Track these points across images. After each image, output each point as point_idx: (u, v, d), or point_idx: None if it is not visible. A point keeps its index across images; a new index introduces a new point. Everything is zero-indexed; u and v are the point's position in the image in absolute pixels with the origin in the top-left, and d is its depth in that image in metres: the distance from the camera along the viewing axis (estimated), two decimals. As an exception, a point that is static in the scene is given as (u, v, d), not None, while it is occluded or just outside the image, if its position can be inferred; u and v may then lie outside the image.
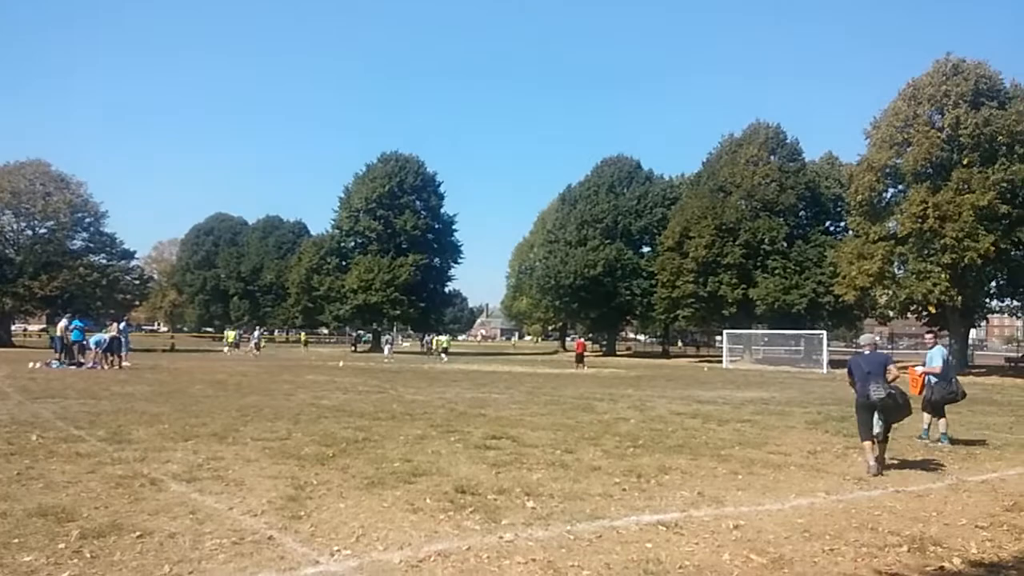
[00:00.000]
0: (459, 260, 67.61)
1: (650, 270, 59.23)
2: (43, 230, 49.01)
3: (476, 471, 7.55)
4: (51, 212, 47.57)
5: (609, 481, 7.25)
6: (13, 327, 53.85)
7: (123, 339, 26.40)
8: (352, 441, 9.31)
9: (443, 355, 46.44)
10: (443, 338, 54.49)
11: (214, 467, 7.37)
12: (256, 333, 49.99)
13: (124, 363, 24.70)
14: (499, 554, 4.79)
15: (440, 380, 23.03)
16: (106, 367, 23.14)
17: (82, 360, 24.18)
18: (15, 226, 48.78)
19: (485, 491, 6.59)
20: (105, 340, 24.07)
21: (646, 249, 65.13)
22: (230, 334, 51.90)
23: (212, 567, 4.40)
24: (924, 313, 45.66)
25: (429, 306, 63.39)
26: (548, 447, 9.30)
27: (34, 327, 67.09)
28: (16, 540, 4.79)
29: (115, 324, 26.74)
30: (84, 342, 24.63)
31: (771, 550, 5.05)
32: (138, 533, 4.99)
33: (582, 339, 45.75)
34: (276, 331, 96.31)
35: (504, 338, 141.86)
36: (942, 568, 4.79)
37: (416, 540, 5.05)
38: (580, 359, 39.04)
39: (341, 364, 33.41)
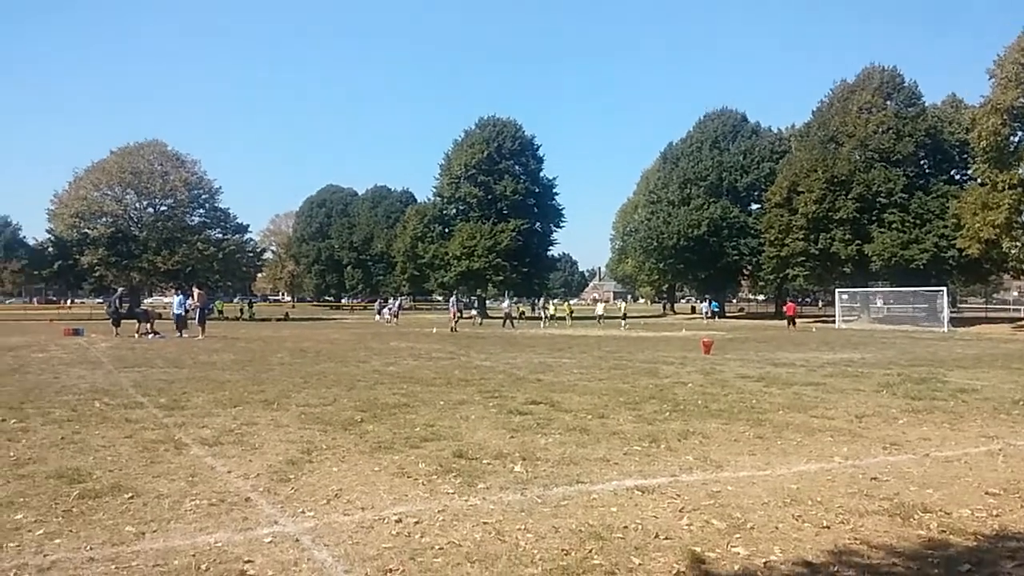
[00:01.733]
0: (561, 224, 67.53)
1: (758, 228, 57.25)
2: (163, 208, 52.53)
3: (490, 436, 7.62)
4: (169, 190, 50.84)
5: (619, 446, 7.15)
6: (150, 300, 58.03)
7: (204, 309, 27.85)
8: (390, 407, 9.56)
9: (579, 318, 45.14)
10: (555, 304, 53.38)
11: (243, 432, 7.76)
12: (396, 303, 51.39)
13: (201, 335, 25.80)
14: (454, 517, 4.84)
15: (518, 345, 23.24)
16: (182, 335, 24.72)
17: (178, 332, 25.84)
18: (138, 205, 52.41)
19: (483, 456, 6.65)
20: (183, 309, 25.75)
21: (754, 206, 62.89)
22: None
23: (178, 527, 4.65)
24: (1061, 265, 42.19)
25: (532, 271, 63.69)
26: (582, 412, 9.25)
27: (166, 299, 72.13)
28: (21, 499, 5.22)
29: (198, 292, 28.19)
30: (182, 315, 26.44)
31: (736, 515, 4.88)
32: (131, 494, 5.33)
33: (792, 302, 46.94)
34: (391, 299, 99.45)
35: (617, 301, 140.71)
36: (919, 535, 4.50)
37: (381, 503, 5.18)
38: (792, 321, 41.90)
39: (434, 331, 34.21)
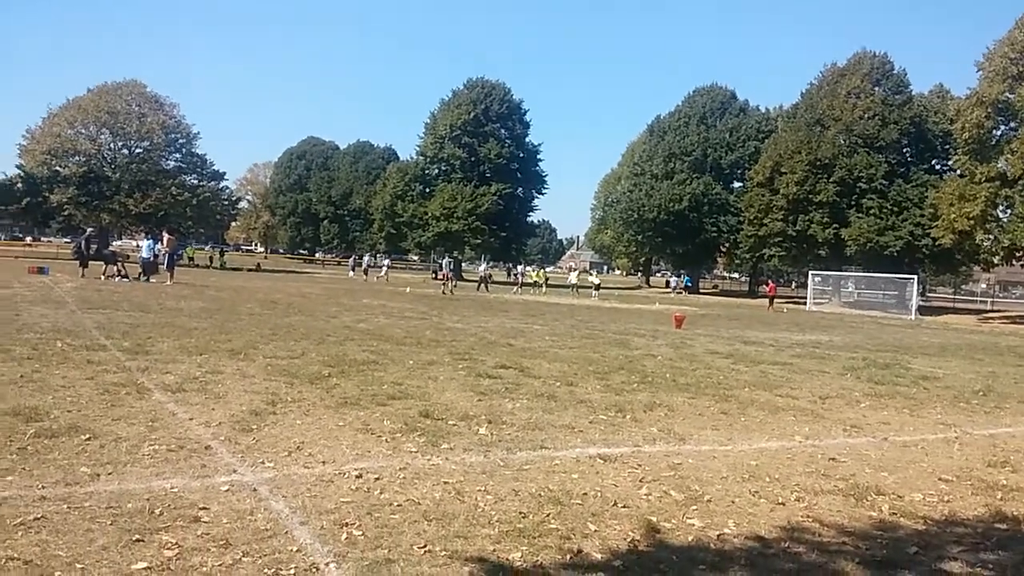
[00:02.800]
0: (543, 190, 67.43)
1: (739, 206, 57.48)
2: (138, 150, 51.57)
3: (458, 398, 7.62)
4: (146, 132, 49.89)
5: (586, 414, 7.18)
6: (118, 243, 57.23)
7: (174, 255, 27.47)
8: (359, 363, 9.52)
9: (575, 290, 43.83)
10: (530, 270, 53.05)
11: (207, 380, 7.68)
12: (366, 258, 51.10)
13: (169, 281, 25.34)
14: (415, 476, 4.84)
15: (492, 309, 23.24)
16: (150, 280, 24.40)
17: (145, 277, 25.45)
18: (112, 145, 51.40)
19: (449, 417, 6.64)
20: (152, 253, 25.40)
21: (736, 184, 63.10)
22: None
23: (134, 470, 4.60)
24: (1030, 260, 42.86)
25: (511, 236, 63.58)
26: (551, 379, 9.27)
27: (136, 242, 71.23)
28: (-25, 435, 5.15)
29: (168, 236, 27.79)
30: (151, 259, 26.07)
31: (695, 488, 4.92)
32: (88, 436, 5.26)
33: (772, 282, 46.58)
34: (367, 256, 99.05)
35: (591, 271, 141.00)
36: (870, 517, 4.57)
37: (343, 458, 5.16)
38: (772, 301, 41.36)
39: (408, 290, 34.09)
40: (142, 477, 4.48)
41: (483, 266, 46.93)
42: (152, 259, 26.37)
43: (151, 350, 9.48)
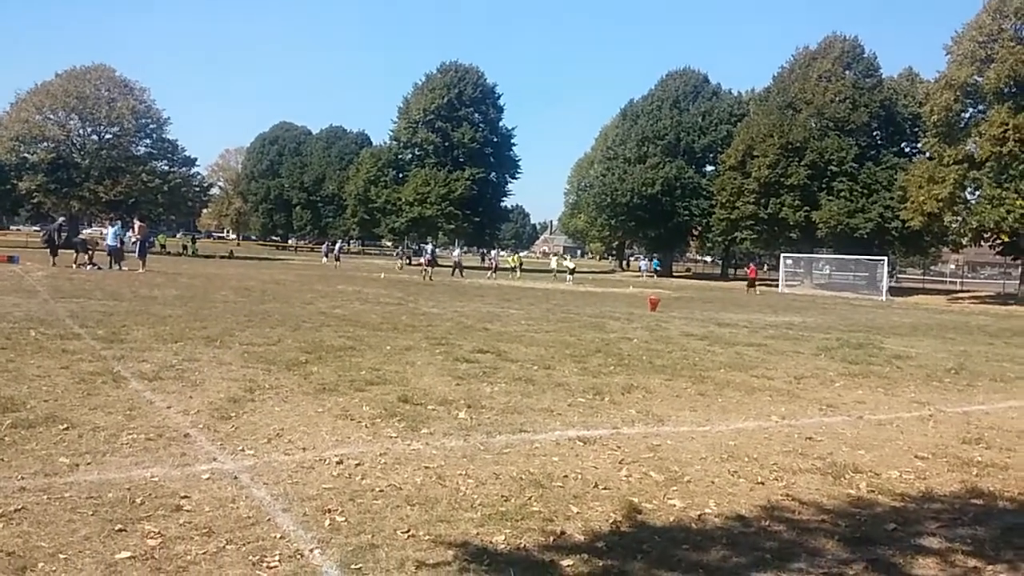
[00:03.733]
0: (517, 175, 67.29)
1: (711, 190, 57.80)
2: (108, 135, 50.65)
3: (436, 383, 7.62)
4: (116, 118, 49.02)
5: (564, 398, 7.22)
6: (88, 231, 56.31)
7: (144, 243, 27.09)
8: (336, 349, 9.48)
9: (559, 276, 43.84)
10: (504, 255, 52.88)
11: (184, 368, 7.61)
12: (337, 245, 51.24)
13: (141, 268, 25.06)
14: (396, 461, 4.84)
15: (468, 295, 23.24)
16: (120, 267, 24.07)
17: (116, 265, 25.07)
18: (82, 131, 50.46)
19: (428, 402, 6.65)
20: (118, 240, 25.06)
21: (709, 168, 63.36)
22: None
23: (113, 460, 4.56)
24: (997, 241, 43.62)
25: (485, 221, 63.43)
26: (528, 363, 9.30)
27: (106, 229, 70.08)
28: (-51, 426, 5.06)
29: (139, 223, 27.40)
30: (117, 247, 25.68)
31: (675, 469, 4.98)
32: (66, 426, 5.20)
33: (753, 265, 46.13)
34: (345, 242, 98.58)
35: (565, 256, 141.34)
36: (848, 494, 4.66)
37: (323, 444, 5.15)
38: (752, 284, 41.03)
39: (383, 276, 33.95)
40: (122, 467, 4.44)
41: (456, 251, 46.83)
42: (119, 246, 25.96)
43: (126, 338, 9.37)
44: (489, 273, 42.88)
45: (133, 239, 26.12)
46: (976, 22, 37.80)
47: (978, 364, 11.77)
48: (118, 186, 46.43)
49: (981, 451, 5.97)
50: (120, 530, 3.43)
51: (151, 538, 3.37)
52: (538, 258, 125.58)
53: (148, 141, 52.06)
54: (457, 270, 40.82)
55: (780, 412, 7.13)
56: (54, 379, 6.74)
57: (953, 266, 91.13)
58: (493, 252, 54.86)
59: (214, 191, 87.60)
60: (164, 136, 53.01)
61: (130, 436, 5.06)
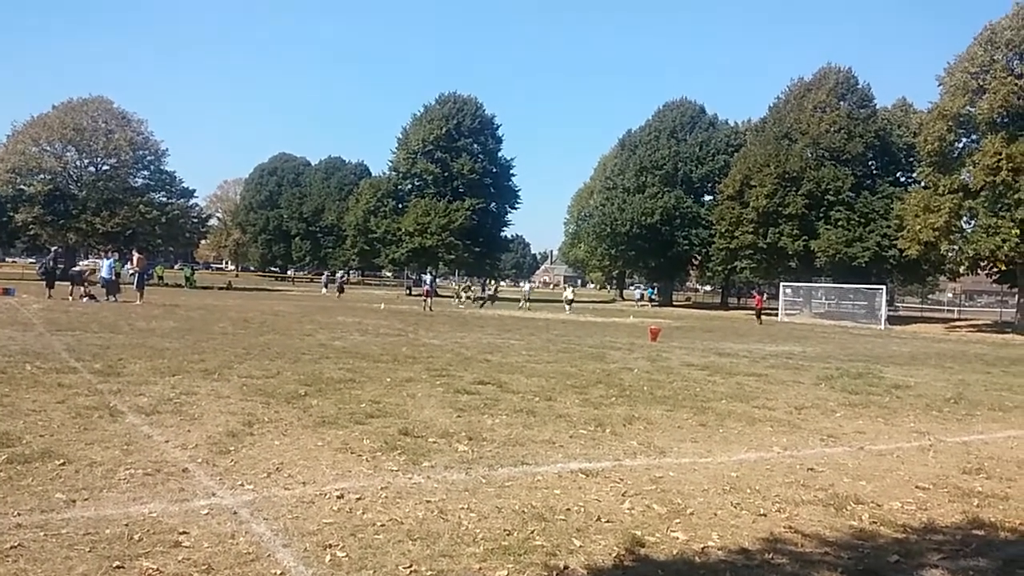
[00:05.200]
0: (516, 205, 67.56)
1: (710, 219, 57.97)
2: (105, 167, 50.80)
3: (437, 415, 7.59)
4: (113, 149, 49.19)
5: (565, 429, 7.19)
6: (84, 262, 56.37)
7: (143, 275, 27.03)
8: (335, 381, 9.45)
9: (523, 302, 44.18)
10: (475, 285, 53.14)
11: (182, 402, 7.58)
12: (339, 274, 51.35)
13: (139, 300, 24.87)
14: (397, 495, 4.81)
15: (468, 325, 23.21)
16: (116, 299, 24.07)
17: (111, 297, 25.02)
18: (79, 163, 50.66)
19: (429, 434, 6.61)
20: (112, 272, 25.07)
21: (707, 198, 63.63)
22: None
23: (111, 496, 4.53)
24: (994, 270, 43.71)
25: (485, 251, 63.52)
26: (529, 394, 9.27)
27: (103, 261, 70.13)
28: (-54, 461, 5.03)
29: (137, 256, 27.39)
30: (112, 279, 25.68)
31: (677, 501, 4.95)
32: (62, 461, 5.16)
33: (761, 295, 45.31)
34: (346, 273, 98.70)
35: (565, 286, 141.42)
36: (850, 526, 4.62)
37: (323, 478, 5.11)
38: (759, 314, 40.46)
39: (383, 307, 33.93)
40: (119, 502, 4.40)
41: (492, 283, 47.19)
42: (114, 278, 25.94)
43: (123, 372, 9.34)
44: (521, 302, 44.19)
45: (131, 271, 26.11)
46: (968, 54, 38.21)
47: (977, 393, 11.75)
48: (115, 218, 46.46)
49: (981, 481, 5.94)
50: (118, 567, 3.39)
51: (149, 575, 3.33)
52: (537, 287, 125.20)
53: (146, 172, 52.23)
54: (489, 301, 41.23)
55: (782, 443, 7.10)
56: (50, 414, 6.70)
57: (951, 294, 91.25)
58: (486, 281, 55.62)
59: (212, 222, 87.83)
60: (162, 167, 53.28)
61: (127, 471, 5.03)
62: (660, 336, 20.16)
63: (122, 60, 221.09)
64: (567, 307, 42.24)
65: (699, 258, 64.09)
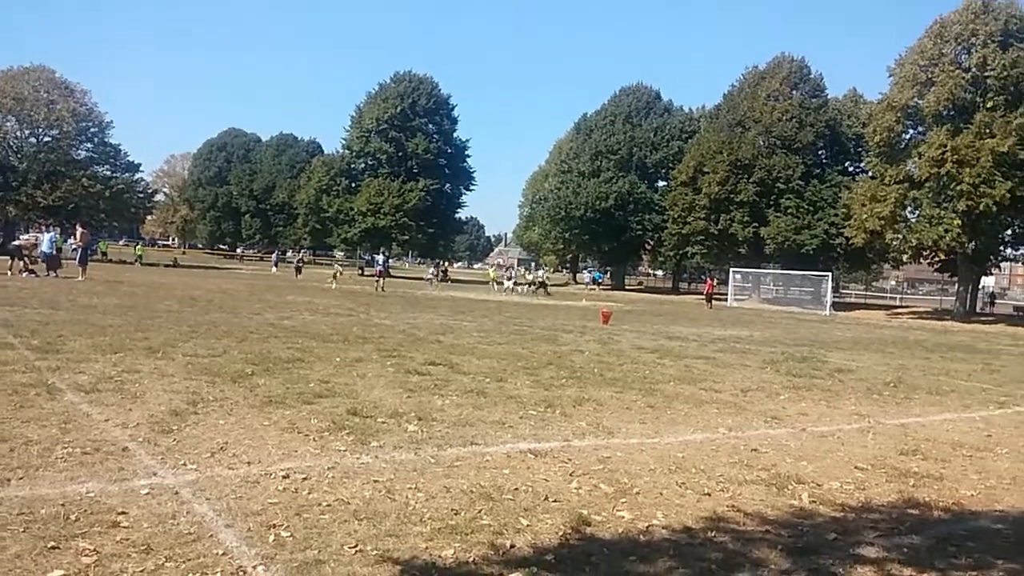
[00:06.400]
0: (471, 187, 67.38)
1: (663, 205, 58.61)
2: (47, 138, 49.11)
3: (386, 395, 7.54)
4: (55, 120, 47.53)
5: (515, 410, 7.20)
6: (25, 236, 54.60)
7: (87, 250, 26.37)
8: (284, 361, 9.32)
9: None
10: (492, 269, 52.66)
11: (124, 380, 7.39)
12: (299, 254, 50.75)
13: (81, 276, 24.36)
14: (344, 475, 4.76)
15: (420, 306, 23.13)
16: (57, 275, 23.44)
17: (51, 272, 24.33)
18: (19, 134, 48.87)
19: (378, 414, 6.57)
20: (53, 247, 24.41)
21: (661, 183, 64.27)
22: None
23: (47, 475, 4.40)
24: (936, 259, 45.05)
25: (439, 232, 63.27)
26: (480, 375, 9.27)
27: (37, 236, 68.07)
28: None
29: (81, 231, 26.67)
30: (53, 254, 24.96)
31: (624, 480, 5.01)
32: (-4, 439, 5.01)
33: (712, 280, 45.54)
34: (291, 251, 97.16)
35: (520, 268, 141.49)
36: (791, 505, 4.74)
37: (269, 458, 5.04)
38: (709, 299, 40.74)
39: (333, 286, 33.59)
40: (56, 482, 4.28)
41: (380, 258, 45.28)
42: (54, 253, 25.18)
43: (62, 348, 9.07)
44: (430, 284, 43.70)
45: (74, 246, 25.36)
46: (918, 46, 39.12)
47: (915, 378, 12.12)
48: (57, 191, 44.92)
49: (918, 462, 6.13)
50: (53, 547, 3.30)
51: (86, 556, 3.25)
52: (490, 270, 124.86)
53: (89, 145, 50.54)
54: (542, 288, 41.99)
55: (727, 424, 7.22)
56: (-15, 390, 6.49)
57: (894, 282, 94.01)
58: (478, 265, 55.42)
59: (159, 198, 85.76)
60: (106, 140, 51.62)
61: (65, 450, 4.89)
62: (611, 319, 20.34)
63: (60, 28, 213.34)
64: (512, 286, 42.25)
65: (652, 243, 64.82)
